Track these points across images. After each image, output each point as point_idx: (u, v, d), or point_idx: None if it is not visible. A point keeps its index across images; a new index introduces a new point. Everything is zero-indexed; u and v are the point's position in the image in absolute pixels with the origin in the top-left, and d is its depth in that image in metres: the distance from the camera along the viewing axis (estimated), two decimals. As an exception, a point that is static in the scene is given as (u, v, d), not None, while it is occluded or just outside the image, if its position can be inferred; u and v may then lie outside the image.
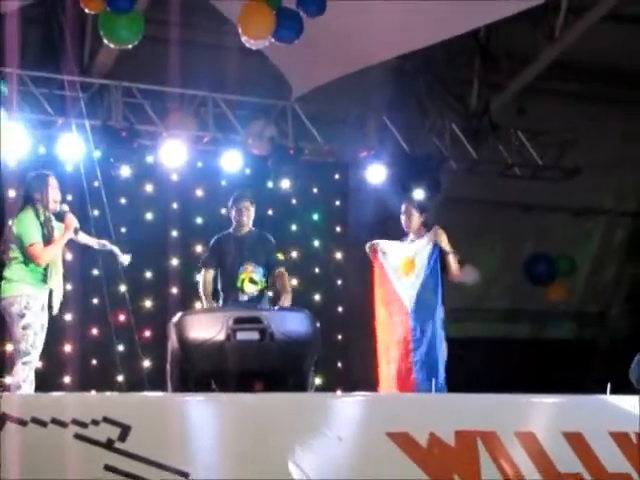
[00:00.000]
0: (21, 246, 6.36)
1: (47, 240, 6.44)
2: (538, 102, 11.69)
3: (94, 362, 10.06)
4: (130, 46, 7.50)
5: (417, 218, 7.50)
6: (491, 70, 11.67)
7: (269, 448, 4.54)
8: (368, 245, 7.64)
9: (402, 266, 7.46)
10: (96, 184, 9.89)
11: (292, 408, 4.76)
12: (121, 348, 9.95)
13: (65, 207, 6.59)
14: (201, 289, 7.37)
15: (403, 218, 7.55)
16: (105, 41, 7.49)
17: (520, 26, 10.40)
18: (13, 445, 4.20)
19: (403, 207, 7.59)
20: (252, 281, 7.27)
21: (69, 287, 8.38)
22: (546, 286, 13.00)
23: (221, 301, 7.38)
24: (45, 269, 6.40)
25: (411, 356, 7.24)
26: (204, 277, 7.36)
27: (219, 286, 7.42)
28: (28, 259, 6.36)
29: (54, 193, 6.55)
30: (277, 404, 4.77)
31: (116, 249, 6.95)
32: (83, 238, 6.83)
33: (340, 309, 11.39)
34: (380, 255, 7.53)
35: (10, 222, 6.62)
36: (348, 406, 4.87)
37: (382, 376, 7.35)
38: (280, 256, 7.69)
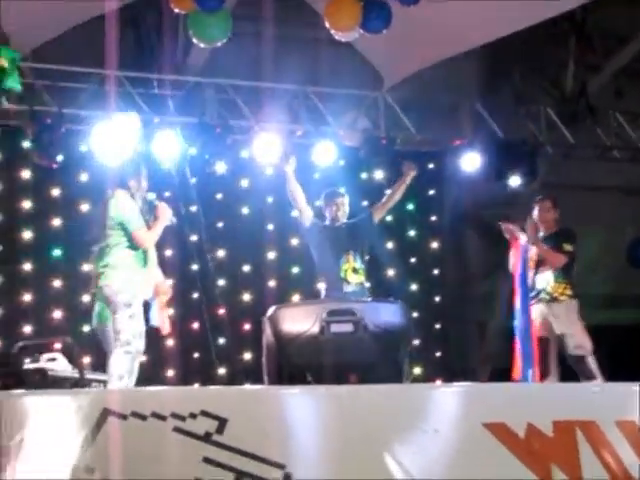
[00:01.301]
0: (125, 231, 6.31)
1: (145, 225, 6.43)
2: (636, 83, 11.40)
3: (195, 355, 10.23)
4: (219, 44, 7.58)
5: (552, 214, 7.56)
6: (587, 51, 11.43)
7: (365, 440, 4.55)
8: (508, 228, 7.59)
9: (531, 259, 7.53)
10: (192, 181, 10.09)
11: (387, 400, 4.75)
12: (221, 341, 10.12)
13: (152, 196, 6.61)
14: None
15: (537, 213, 7.57)
16: (195, 40, 7.59)
17: (617, 5, 10.16)
18: (115, 438, 4.31)
19: (538, 201, 7.71)
20: (354, 270, 7.36)
21: (170, 282, 8.52)
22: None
23: (324, 293, 7.48)
24: (145, 254, 6.38)
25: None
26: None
27: (320, 279, 7.53)
28: (133, 244, 6.31)
29: (145, 182, 6.58)
30: (372, 396, 4.77)
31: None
32: None
33: (437, 299, 11.33)
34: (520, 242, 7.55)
35: (103, 207, 6.49)
36: (444, 397, 4.84)
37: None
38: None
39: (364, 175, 10.90)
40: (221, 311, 10.17)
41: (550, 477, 4.56)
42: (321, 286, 7.74)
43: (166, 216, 6.51)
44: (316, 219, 7.72)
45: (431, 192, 11.37)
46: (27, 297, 9.68)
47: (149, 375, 9.17)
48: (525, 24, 9.09)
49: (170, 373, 10.02)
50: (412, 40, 9.01)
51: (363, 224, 7.70)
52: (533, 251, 7.56)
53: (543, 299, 7.52)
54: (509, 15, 8.73)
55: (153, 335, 9.28)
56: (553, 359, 7.40)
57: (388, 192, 7.94)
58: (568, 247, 7.51)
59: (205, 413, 4.37)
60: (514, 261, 7.61)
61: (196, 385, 9.54)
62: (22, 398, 4.36)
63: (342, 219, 7.66)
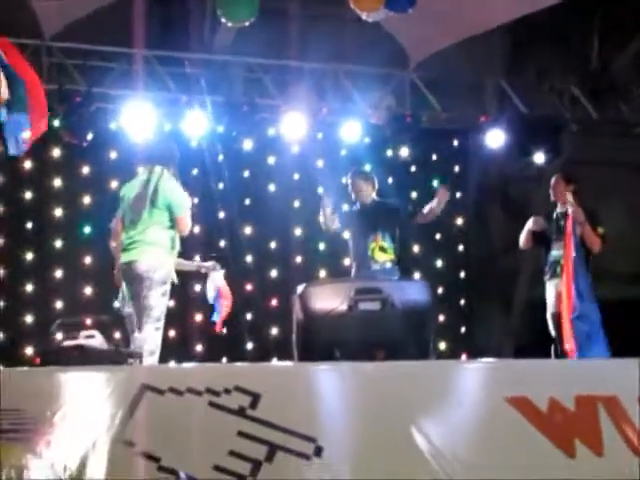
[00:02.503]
0: (171, 213, 6.39)
1: None
2: (662, 59, 11.39)
3: (224, 331, 10.36)
4: (247, 23, 7.68)
5: (563, 188, 7.63)
6: (613, 27, 11.41)
7: (392, 415, 4.66)
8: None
9: None
10: (220, 158, 10.22)
11: (413, 376, 4.87)
12: (249, 317, 10.28)
13: None
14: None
15: (552, 190, 7.77)
16: (222, 20, 7.70)
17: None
18: (153, 413, 4.46)
19: (553, 179, 7.79)
20: (382, 249, 7.50)
21: (197, 259, 8.67)
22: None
23: (353, 271, 7.64)
24: (176, 236, 6.50)
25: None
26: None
27: (351, 257, 7.70)
28: (174, 227, 6.42)
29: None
30: (399, 372, 4.89)
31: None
32: None
33: (462, 274, 11.43)
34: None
35: (148, 186, 6.50)
36: (467, 372, 4.98)
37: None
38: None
39: (389, 152, 10.98)
40: (249, 287, 10.33)
41: (573, 450, 4.67)
42: (351, 264, 7.91)
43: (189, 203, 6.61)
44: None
45: (456, 169, 11.44)
46: (58, 273, 9.88)
47: (178, 349, 9.39)
48: (551, 1, 9.11)
49: (199, 348, 10.20)
50: (437, 18, 9.07)
51: (394, 211, 7.82)
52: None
53: (559, 274, 7.61)
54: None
55: (183, 310, 9.56)
56: None
57: (425, 210, 7.97)
58: (601, 230, 7.61)
59: (239, 389, 4.51)
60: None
61: (224, 360, 9.70)
62: (62, 375, 4.52)
63: (364, 198, 7.79)
